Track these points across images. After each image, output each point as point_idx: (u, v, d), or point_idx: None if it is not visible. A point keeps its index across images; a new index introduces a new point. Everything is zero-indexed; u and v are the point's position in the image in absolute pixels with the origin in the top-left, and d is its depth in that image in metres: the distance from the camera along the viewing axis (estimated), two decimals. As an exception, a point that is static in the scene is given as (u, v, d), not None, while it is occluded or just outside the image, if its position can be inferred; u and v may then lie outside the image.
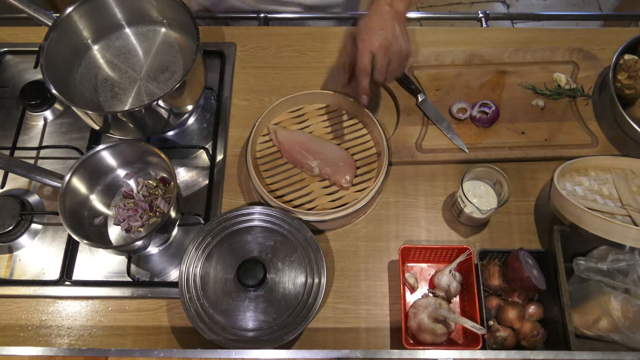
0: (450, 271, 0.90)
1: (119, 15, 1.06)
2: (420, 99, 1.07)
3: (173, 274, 0.96)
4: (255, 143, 1.04)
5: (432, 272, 0.95)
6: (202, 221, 0.98)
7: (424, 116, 1.07)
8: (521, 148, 1.03)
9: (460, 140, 1.04)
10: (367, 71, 0.90)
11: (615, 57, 1.01)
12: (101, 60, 1.06)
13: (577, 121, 1.06)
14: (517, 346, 0.87)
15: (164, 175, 1.01)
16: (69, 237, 0.98)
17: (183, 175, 1.05)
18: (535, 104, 1.08)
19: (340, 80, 1.07)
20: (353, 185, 1.00)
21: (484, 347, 0.85)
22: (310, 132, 1.05)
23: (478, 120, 1.05)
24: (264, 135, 1.05)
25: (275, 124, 1.06)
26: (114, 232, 0.98)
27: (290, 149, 1.01)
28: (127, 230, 0.97)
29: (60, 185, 0.91)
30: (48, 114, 1.11)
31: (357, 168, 1.01)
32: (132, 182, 1.01)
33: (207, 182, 1.03)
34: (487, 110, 1.05)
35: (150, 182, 1.01)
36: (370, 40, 0.88)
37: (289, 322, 0.84)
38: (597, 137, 1.03)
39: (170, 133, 1.09)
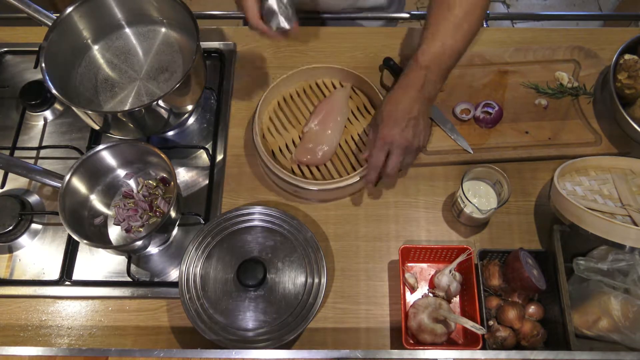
0: (450, 271, 0.90)
1: (119, 15, 1.06)
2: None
3: (173, 274, 0.96)
4: (263, 112, 1.05)
5: (432, 272, 0.95)
6: (202, 221, 0.98)
7: (427, 118, 1.07)
8: (525, 148, 1.03)
9: (464, 142, 1.04)
10: (378, 166, 0.89)
11: (615, 57, 1.01)
12: (101, 60, 1.06)
13: (580, 119, 1.06)
14: (517, 346, 0.87)
15: (164, 175, 1.01)
16: (69, 237, 0.98)
17: (183, 175, 1.05)
18: (538, 103, 1.08)
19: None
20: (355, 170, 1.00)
21: (484, 347, 0.85)
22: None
23: (481, 121, 1.05)
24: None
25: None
26: (114, 232, 0.98)
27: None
28: (127, 230, 0.97)
29: (60, 185, 0.91)
30: (48, 114, 1.11)
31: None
32: (132, 182, 1.01)
33: (207, 182, 1.03)
34: (490, 110, 1.05)
35: (150, 182, 1.01)
36: (391, 134, 0.86)
37: (289, 322, 0.84)
38: (601, 135, 1.03)
39: (170, 133, 1.09)
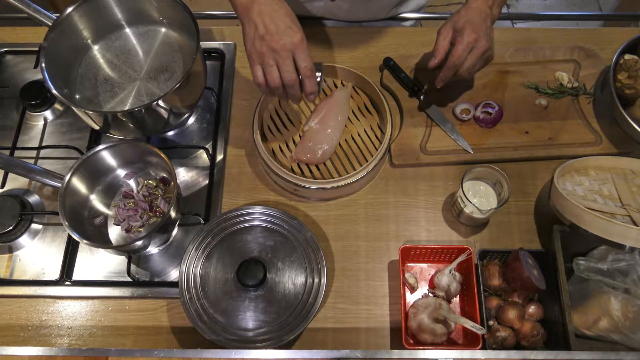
0: (450, 271, 0.90)
1: (119, 15, 1.06)
2: (423, 101, 1.07)
3: (173, 274, 0.96)
4: (263, 111, 1.05)
5: (432, 272, 0.95)
6: (202, 221, 0.98)
7: (427, 118, 1.07)
8: (526, 148, 1.03)
9: (464, 142, 1.04)
10: (460, 64, 0.92)
11: (615, 57, 1.01)
12: (101, 60, 1.06)
13: (580, 119, 1.06)
14: (517, 346, 0.87)
15: (164, 175, 1.01)
16: (69, 237, 0.98)
17: (183, 175, 1.05)
18: (538, 103, 1.08)
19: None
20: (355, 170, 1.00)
21: (484, 347, 0.85)
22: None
23: (481, 121, 1.05)
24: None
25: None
26: (114, 232, 0.98)
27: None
28: (127, 230, 0.97)
29: (60, 185, 0.91)
30: (48, 114, 1.11)
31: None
32: (132, 182, 1.01)
33: (207, 182, 1.03)
34: (490, 110, 1.05)
35: (150, 182, 1.01)
36: (475, 37, 0.91)
37: (289, 322, 0.84)
38: (601, 135, 1.03)
39: (170, 133, 1.09)
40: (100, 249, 0.98)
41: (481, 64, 0.95)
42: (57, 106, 1.12)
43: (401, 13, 1.24)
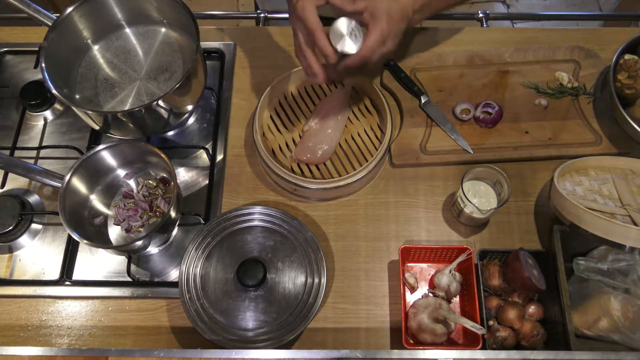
0: (450, 271, 0.90)
1: (119, 15, 1.06)
2: (423, 101, 1.07)
3: (173, 274, 0.96)
4: (263, 111, 1.05)
5: (432, 272, 0.95)
6: (202, 221, 0.98)
7: (427, 118, 1.07)
8: (526, 148, 1.03)
9: (464, 141, 1.04)
10: (370, 58, 0.85)
11: (615, 57, 1.01)
12: (101, 60, 1.06)
13: (580, 119, 1.06)
14: (517, 346, 0.87)
15: (164, 175, 1.01)
16: (69, 237, 0.98)
17: (183, 175, 1.05)
18: (538, 103, 1.08)
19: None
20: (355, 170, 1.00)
21: (484, 347, 0.85)
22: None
23: (481, 121, 1.05)
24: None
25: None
26: (114, 232, 0.98)
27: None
28: (127, 230, 0.97)
29: (60, 185, 0.91)
30: (48, 114, 1.11)
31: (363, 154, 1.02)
32: (132, 182, 1.01)
33: (207, 182, 1.03)
34: (490, 110, 1.05)
35: (150, 182, 1.01)
36: (388, 33, 0.83)
37: (289, 322, 0.84)
38: (601, 135, 1.03)
39: (170, 133, 1.09)
40: (100, 249, 0.98)
41: (380, 62, 0.88)
42: (57, 106, 1.12)
43: None
